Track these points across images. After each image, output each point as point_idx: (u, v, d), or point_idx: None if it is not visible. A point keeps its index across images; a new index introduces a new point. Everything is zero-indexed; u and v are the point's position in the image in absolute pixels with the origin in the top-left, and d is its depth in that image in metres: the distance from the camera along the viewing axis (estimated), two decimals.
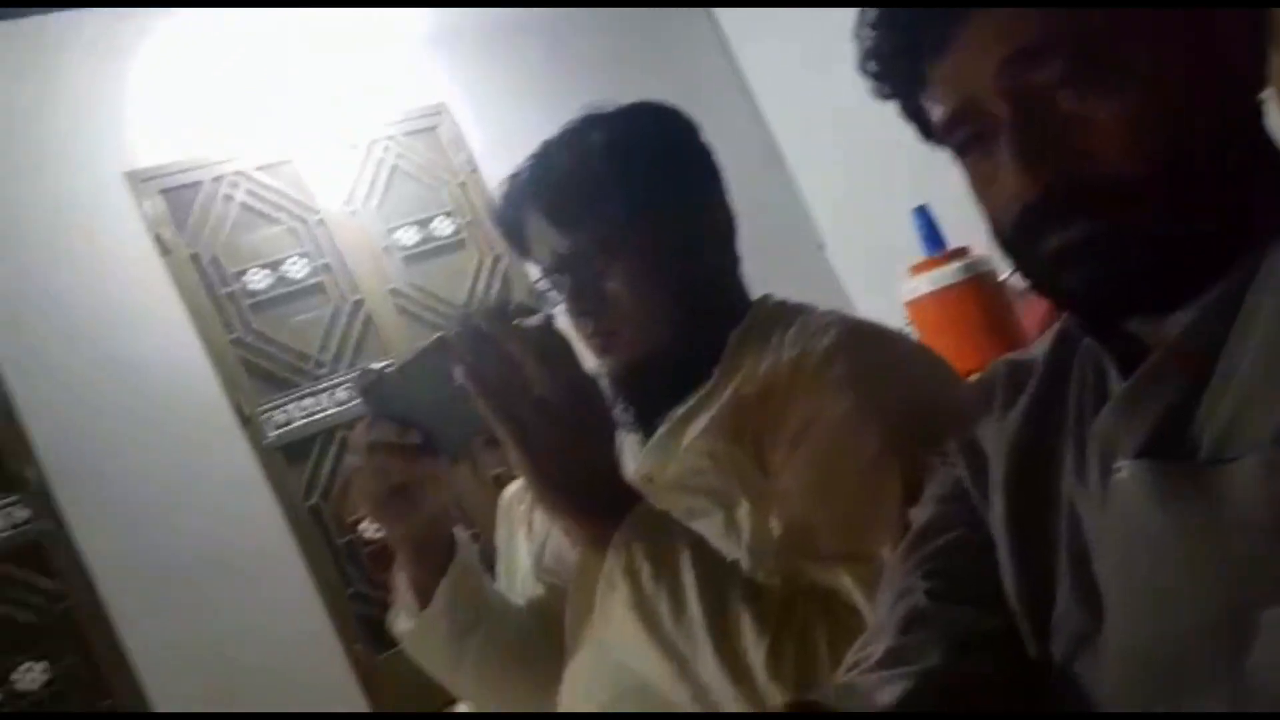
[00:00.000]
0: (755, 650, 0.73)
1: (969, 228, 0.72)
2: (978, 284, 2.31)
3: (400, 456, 0.83)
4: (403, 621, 0.97)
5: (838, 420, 0.81)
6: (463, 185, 3.53)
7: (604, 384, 0.91)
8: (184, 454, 2.99)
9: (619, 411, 0.94)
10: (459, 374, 0.74)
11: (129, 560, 2.89)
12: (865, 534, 0.76)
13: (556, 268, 0.93)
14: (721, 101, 3.77)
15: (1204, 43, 0.54)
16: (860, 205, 3.57)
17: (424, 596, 0.94)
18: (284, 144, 3.31)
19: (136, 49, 3.18)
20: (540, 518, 1.14)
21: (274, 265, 3.25)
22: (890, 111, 0.65)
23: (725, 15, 3.97)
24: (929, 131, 0.63)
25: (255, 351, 3.17)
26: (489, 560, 1.09)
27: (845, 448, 0.80)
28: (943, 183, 0.76)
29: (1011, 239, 0.59)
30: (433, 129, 3.55)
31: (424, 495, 0.87)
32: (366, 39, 3.47)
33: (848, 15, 0.63)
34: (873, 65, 0.63)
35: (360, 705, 2.98)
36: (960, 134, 0.60)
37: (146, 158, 3.14)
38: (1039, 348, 0.68)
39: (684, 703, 0.77)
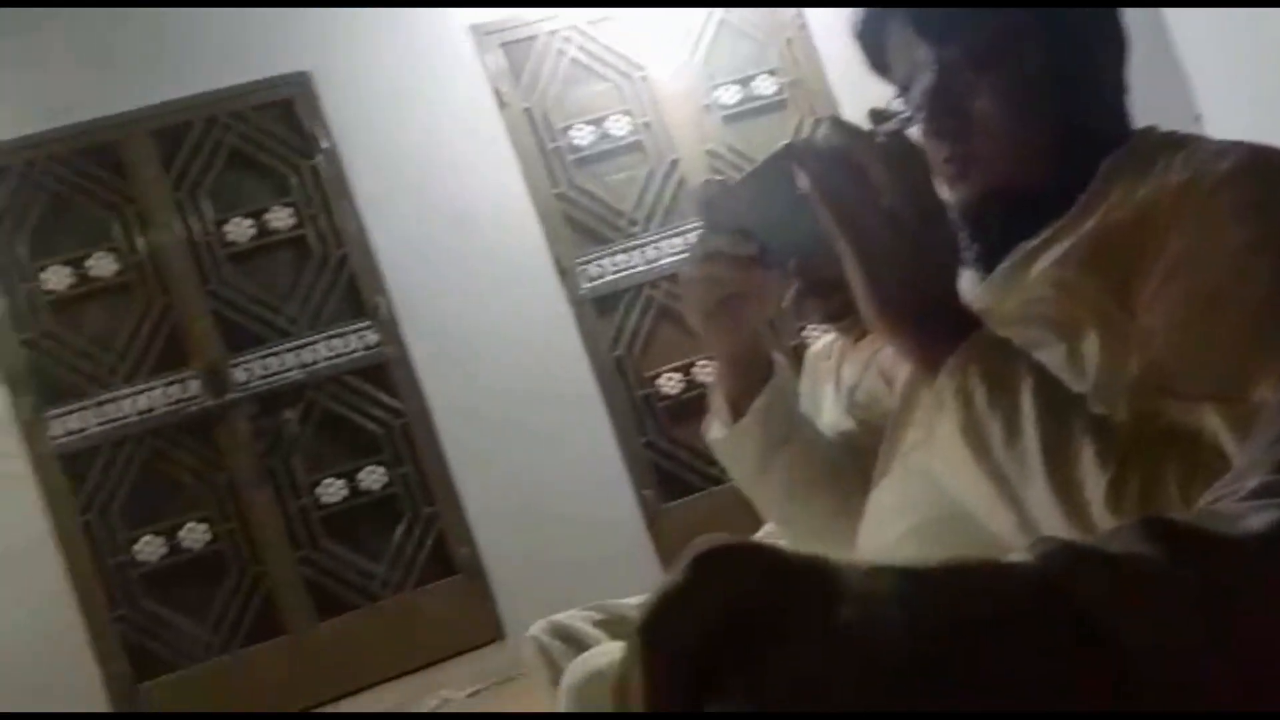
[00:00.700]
0: (1095, 483, 0.67)
1: None
2: None
3: (735, 267, 0.82)
4: (716, 430, 0.97)
5: (1229, 252, 0.72)
6: (789, 41, 3.42)
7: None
8: (508, 298, 3.27)
9: (962, 248, 0.86)
10: (802, 181, 0.70)
11: (457, 386, 3.25)
12: (1243, 375, 0.68)
13: (918, 83, 0.84)
14: None
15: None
16: (1241, 76, 3.09)
17: (736, 410, 0.94)
18: None
19: None
20: (850, 369, 1.11)
21: (598, 121, 3.37)
22: None
23: None
24: None
25: (576, 206, 3.34)
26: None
27: (1233, 282, 0.71)
28: None
29: None
30: None
31: (752, 308, 0.87)
32: None
33: None
34: None
35: (645, 545, 3.22)
36: None
37: (489, 13, 3.31)
38: None
39: (1003, 532, 0.73)
